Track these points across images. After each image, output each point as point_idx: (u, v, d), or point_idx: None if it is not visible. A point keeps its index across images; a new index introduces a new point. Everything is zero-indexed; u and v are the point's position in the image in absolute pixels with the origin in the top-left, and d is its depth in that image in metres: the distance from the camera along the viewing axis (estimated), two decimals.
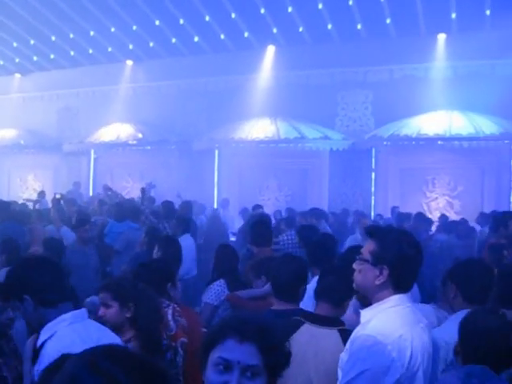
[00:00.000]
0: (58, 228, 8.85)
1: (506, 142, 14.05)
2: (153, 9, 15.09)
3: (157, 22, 15.61)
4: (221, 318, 4.52)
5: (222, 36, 15.98)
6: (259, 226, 6.95)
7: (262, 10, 14.50)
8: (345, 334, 3.15)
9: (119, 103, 17.82)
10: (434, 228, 11.13)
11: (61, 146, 18.26)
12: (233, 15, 14.88)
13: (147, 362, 1.31)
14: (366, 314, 2.72)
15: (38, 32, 16.48)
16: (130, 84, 18.17)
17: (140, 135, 17.31)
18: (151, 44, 16.83)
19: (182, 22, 15.49)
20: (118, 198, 12.95)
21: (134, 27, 15.93)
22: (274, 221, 10.83)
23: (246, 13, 14.82)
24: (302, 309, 3.74)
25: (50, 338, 2.80)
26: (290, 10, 14.38)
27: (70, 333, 2.82)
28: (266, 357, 1.81)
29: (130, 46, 17.14)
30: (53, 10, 15.36)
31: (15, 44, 17.57)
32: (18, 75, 20.03)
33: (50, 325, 2.85)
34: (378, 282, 2.66)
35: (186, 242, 7.86)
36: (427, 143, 14.25)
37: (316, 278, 4.06)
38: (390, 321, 2.61)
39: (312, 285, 3.91)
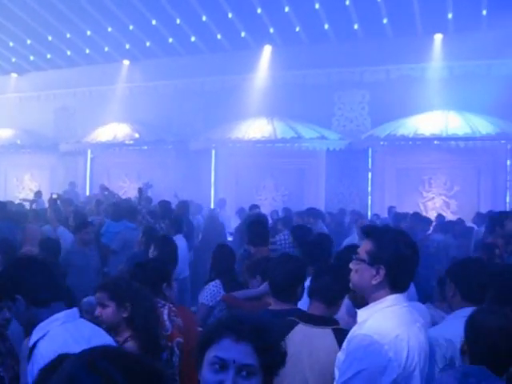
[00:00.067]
0: (54, 228, 8.82)
1: (503, 141, 14.08)
2: (149, 8, 15.08)
3: (153, 22, 15.60)
4: (216, 317, 4.52)
5: (219, 36, 15.98)
6: (256, 225, 6.95)
7: (259, 10, 14.50)
8: (339, 333, 3.17)
9: (116, 103, 17.81)
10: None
11: (57, 146, 18.21)
12: (229, 15, 14.88)
13: (144, 363, 1.32)
14: (362, 313, 2.72)
15: (35, 32, 16.45)
16: (127, 84, 18.16)
17: (137, 135, 17.30)
18: (148, 44, 16.81)
19: (178, 21, 15.48)
20: (114, 198, 12.93)
21: (131, 27, 15.92)
22: (270, 221, 10.83)
23: (243, 13, 14.82)
24: (298, 309, 3.73)
25: (42, 337, 2.80)
26: (286, 9, 14.38)
27: (62, 332, 2.82)
28: (261, 356, 1.81)
29: (127, 46, 17.12)
30: (49, 9, 15.34)
31: (11, 44, 17.52)
32: (14, 75, 19.99)
33: (42, 324, 2.85)
34: (374, 282, 2.67)
35: (179, 242, 7.84)
36: (424, 143, 14.26)
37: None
38: (386, 320, 2.61)
39: (308, 284, 3.91)
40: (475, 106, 13.73)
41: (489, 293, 3.50)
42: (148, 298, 3.71)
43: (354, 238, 9.49)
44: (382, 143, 14.86)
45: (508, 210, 12.87)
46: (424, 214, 13.00)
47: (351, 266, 2.76)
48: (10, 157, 19.52)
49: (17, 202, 13.55)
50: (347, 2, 13.88)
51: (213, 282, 5.57)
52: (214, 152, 16.91)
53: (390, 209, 13.62)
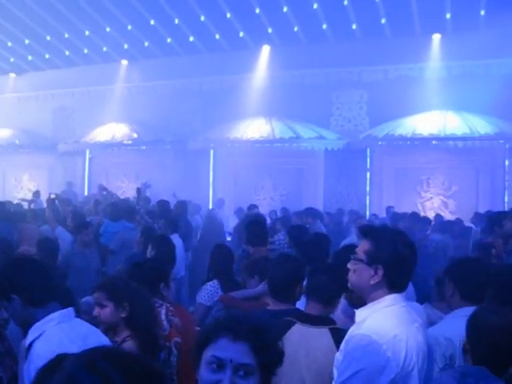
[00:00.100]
0: (52, 228, 8.82)
1: (501, 141, 14.10)
2: (148, 8, 15.08)
3: (152, 22, 15.59)
4: (214, 317, 4.52)
5: (217, 36, 15.98)
6: (255, 225, 6.94)
7: (257, 10, 14.51)
8: (336, 333, 3.17)
9: (114, 103, 17.81)
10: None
11: (56, 146, 18.20)
12: (228, 15, 14.88)
13: (144, 363, 1.33)
14: (361, 313, 2.72)
15: (33, 31, 16.44)
16: (125, 84, 18.16)
17: (135, 135, 17.30)
18: (146, 44, 16.80)
19: (177, 21, 15.48)
20: (113, 198, 12.92)
21: (129, 27, 15.91)
22: (269, 221, 10.83)
23: (241, 13, 14.82)
24: (296, 309, 3.73)
25: (38, 337, 2.80)
26: (285, 9, 14.39)
27: (57, 332, 2.83)
28: (258, 356, 1.81)
29: (125, 46, 17.12)
30: (48, 9, 15.32)
31: (10, 43, 17.50)
32: (12, 75, 19.98)
33: (37, 324, 2.85)
34: (372, 282, 2.67)
35: (175, 242, 7.85)
36: (422, 143, 14.28)
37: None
38: (385, 320, 2.61)
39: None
40: (473, 106, 13.75)
41: (488, 292, 3.50)
42: (146, 298, 3.71)
43: (352, 238, 9.46)
44: (380, 143, 14.87)
45: (506, 209, 12.87)
46: (422, 213, 13.02)
47: (349, 265, 2.76)
48: (9, 157, 19.49)
49: (15, 202, 13.54)
50: (345, 2, 13.89)
51: (211, 282, 5.56)
52: (212, 152, 16.91)
53: (388, 209, 13.63)
